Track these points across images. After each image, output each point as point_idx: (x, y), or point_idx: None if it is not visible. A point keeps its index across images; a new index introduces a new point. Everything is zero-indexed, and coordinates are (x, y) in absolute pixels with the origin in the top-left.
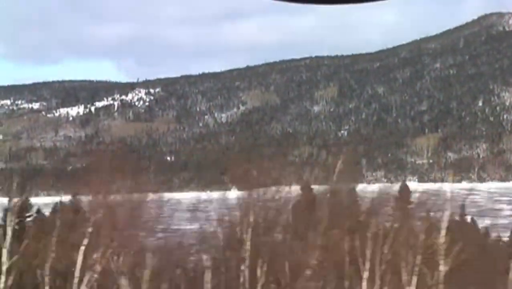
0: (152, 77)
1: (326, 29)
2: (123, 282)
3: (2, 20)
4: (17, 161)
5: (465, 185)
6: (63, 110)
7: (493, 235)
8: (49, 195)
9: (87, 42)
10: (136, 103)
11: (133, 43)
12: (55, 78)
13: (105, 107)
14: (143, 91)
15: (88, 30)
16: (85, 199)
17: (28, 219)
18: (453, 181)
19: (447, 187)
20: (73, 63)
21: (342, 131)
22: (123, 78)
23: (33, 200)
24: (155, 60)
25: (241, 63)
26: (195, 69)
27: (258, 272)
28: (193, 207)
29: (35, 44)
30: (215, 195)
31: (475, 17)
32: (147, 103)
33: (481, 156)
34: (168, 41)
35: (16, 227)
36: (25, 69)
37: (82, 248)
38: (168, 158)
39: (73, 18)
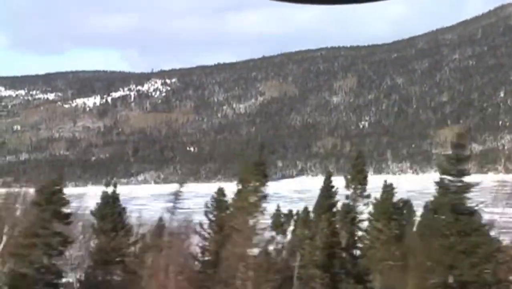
0: (164, 68)
1: (336, 21)
2: None
3: (5, 11)
4: (40, 151)
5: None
6: (79, 101)
7: None
8: (77, 186)
9: (91, 32)
10: (153, 93)
11: (138, 34)
12: (62, 69)
13: (122, 97)
14: (159, 81)
15: (92, 21)
16: None
17: None
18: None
19: None
20: (78, 54)
21: (363, 122)
22: (127, 68)
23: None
24: (161, 51)
25: (249, 54)
26: (204, 60)
27: None
28: None
29: (38, 35)
30: None
31: (492, 8)
32: (163, 94)
33: (506, 147)
34: (174, 32)
35: None
36: (29, 59)
37: None
38: (192, 149)
39: (77, 8)
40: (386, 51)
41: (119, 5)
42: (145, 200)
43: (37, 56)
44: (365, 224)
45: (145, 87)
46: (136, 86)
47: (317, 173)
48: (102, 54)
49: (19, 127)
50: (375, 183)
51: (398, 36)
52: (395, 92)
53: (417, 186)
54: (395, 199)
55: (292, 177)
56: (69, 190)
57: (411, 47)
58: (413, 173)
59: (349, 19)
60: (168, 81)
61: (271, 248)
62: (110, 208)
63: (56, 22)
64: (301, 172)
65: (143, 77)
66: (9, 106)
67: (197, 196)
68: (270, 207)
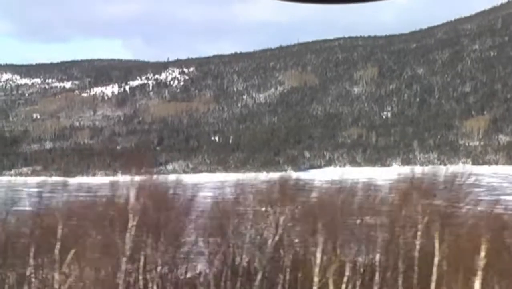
0: (173, 57)
1: (348, 11)
2: None
3: None
4: (64, 140)
5: None
6: (97, 89)
7: None
8: (107, 175)
9: (94, 20)
10: (171, 82)
11: (142, 23)
12: (70, 58)
13: (140, 86)
14: (176, 70)
15: (96, 9)
16: None
17: None
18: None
19: None
20: (83, 43)
21: (385, 112)
22: (131, 56)
23: (92, 179)
24: (165, 40)
25: (261, 44)
26: (218, 49)
27: None
28: None
29: (41, 23)
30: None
31: None
32: (182, 83)
33: None
34: (180, 21)
35: None
36: (32, 47)
37: None
38: (216, 138)
39: None
40: (405, 41)
41: None
42: None
43: (42, 45)
44: None
45: (163, 76)
46: (153, 75)
47: (344, 163)
48: (107, 43)
49: (38, 116)
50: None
51: (415, 26)
52: (416, 83)
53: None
54: None
55: (320, 167)
56: (100, 179)
57: (430, 37)
58: (440, 163)
59: (362, 9)
60: (186, 70)
61: None
62: None
63: (60, 10)
64: (328, 162)
65: (159, 66)
66: (26, 95)
67: None
68: None
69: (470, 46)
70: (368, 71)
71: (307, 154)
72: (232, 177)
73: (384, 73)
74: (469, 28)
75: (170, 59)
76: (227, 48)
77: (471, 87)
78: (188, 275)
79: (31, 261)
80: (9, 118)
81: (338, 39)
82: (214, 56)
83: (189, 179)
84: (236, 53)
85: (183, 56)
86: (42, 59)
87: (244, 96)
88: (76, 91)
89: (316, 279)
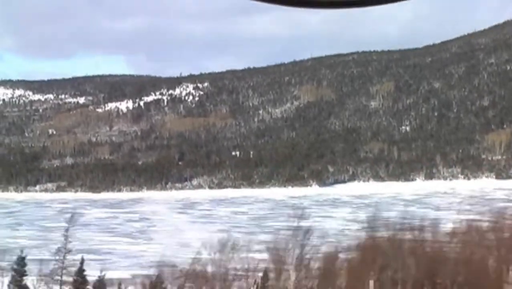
0: (194, 72)
1: (356, 25)
2: None
3: (10, 14)
4: (84, 155)
5: None
6: (111, 105)
7: None
8: (132, 190)
9: (96, 36)
10: (186, 98)
11: (143, 37)
12: (75, 74)
13: (155, 102)
14: (190, 86)
15: (97, 25)
16: None
17: None
18: None
19: None
20: (87, 58)
21: (403, 127)
22: (134, 72)
23: (119, 195)
24: (168, 55)
25: (264, 59)
26: (221, 65)
27: None
28: None
29: (45, 38)
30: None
31: None
32: (197, 98)
33: None
34: (181, 35)
35: None
36: (34, 63)
37: None
38: (237, 153)
39: (86, 11)
40: (420, 56)
41: (126, 10)
42: None
43: (44, 60)
44: None
45: (177, 91)
46: (167, 90)
47: (368, 178)
48: (110, 59)
49: (54, 131)
50: (431, 188)
51: (428, 41)
52: (433, 97)
53: (474, 191)
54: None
55: (344, 182)
56: (125, 195)
57: (445, 52)
58: (464, 178)
59: (369, 24)
60: (200, 85)
61: None
62: None
63: (61, 26)
64: (352, 177)
65: (173, 82)
66: (40, 110)
67: None
68: (340, 213)
69: (486, 60)
70: (384, 85)
71: (330, 169)
72: None
73: (401, 87)
74: (483, 42)
75: (183, 74)
76: (232, 63)
77: (490, 101)
78: None
79: None
80: (25, 134)
81: (352, 53)
82: (227, 71)
83: None
84: (249, 68)
85: (194, 71)
86: (44, 75)
87: (261, 111)
88: (91, 107)
89: None
